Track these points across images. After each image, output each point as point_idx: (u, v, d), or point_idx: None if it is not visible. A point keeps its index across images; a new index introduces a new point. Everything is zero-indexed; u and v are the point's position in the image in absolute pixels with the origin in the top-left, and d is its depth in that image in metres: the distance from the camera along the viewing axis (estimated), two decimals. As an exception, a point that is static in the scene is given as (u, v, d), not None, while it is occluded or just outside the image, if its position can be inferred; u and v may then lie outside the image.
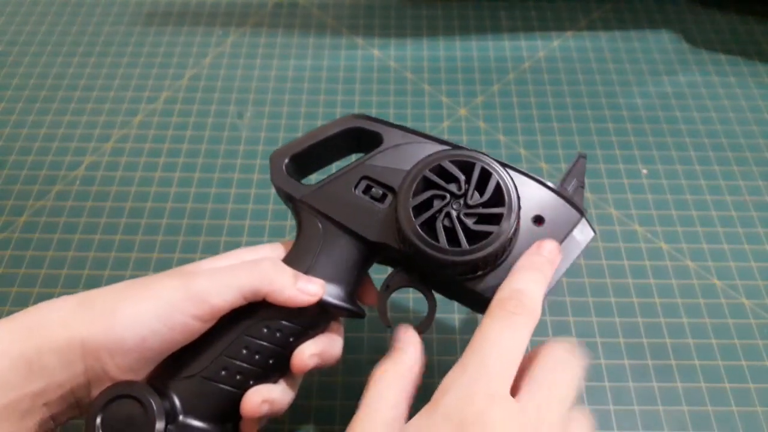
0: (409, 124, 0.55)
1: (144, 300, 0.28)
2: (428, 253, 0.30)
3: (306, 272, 0.31)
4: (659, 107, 0.57)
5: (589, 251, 0.47)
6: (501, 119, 0.56)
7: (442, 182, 0.31)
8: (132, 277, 0.46)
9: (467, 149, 0.32)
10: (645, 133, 0.55)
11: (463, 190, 0.31)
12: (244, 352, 0.30)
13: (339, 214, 0.32)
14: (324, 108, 0.57)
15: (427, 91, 0.58)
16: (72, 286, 0.46)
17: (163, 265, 0.47)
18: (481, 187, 0.31)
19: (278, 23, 0.65)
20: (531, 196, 0.32)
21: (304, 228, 0.33)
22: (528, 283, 0.29)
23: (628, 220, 0.49)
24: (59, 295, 0.45)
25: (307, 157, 0.35)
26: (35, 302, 0.44)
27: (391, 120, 0.56)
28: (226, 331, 0.30)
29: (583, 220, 0.32)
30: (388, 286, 0.33)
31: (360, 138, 0.35)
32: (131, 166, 0.53)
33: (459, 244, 0.30)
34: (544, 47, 0.62)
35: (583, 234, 0.32)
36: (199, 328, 0.29)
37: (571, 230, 0.32)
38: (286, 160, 0.34)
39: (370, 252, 0.33)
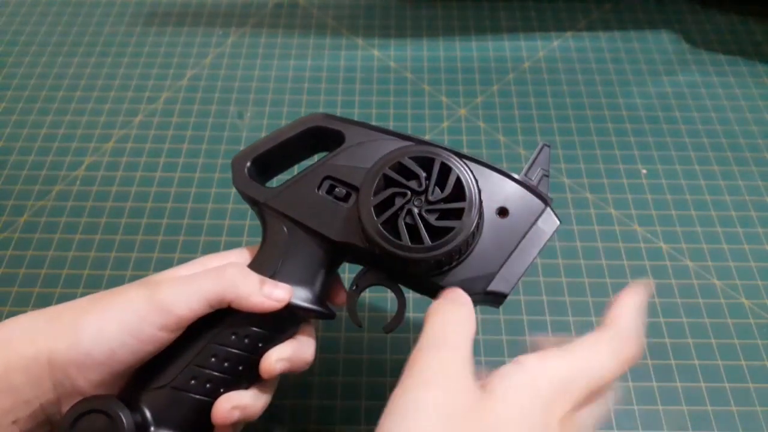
0: (409, 125, 0.56)
1: (109, 312, 0.28)
2: (392, 252, 0.30)
3: (272, 276, 0.31)
4: (659, 107, 0.57)
5: (588, 251, 0.48)
6: (501, 119, 0.56)
7: (402, 179, 0.31)
8: (132, 277, 0.46)
9: (427, 143, 0.32)
10: (644, 133, 0.55)
11: (423, 187, 0.31)
12: (213, 360, 0.29)
13: (303, 215, 0.32)
14: (324, 108, 0.57)
15: (427, 91, 0.59)
16: (72, 286, 0.46)
17: (163, 265, 0.47)
18: (441, 183, 0.31)
19: (278, 23, 0.65)
20: (494, 188, 0.32)
21: (269, 231, 0.33)
22: None
23: (627, 220, 0.49)
24: (59, 294, 0.45)
25: (269, 159, 0.35)
26: (36, 302, 0.45)
27: (392, 120, 0.57)
28: (194, 339, 0.30)
29: (548, 210, 0.32)
30: (357, 285, 0.33)
31: (322, 137, 0.35)
32: (132, 166, 0.53)
33: (422, 241, 0.30)
34: (544, 47, 0.62)
35: (547, 224, 0.32)
36: (166, 338, 0.29)
37: (536, 220, 0.32)
38: (248, 164, 0.34)
39: (337, 252, 0.33)
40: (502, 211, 0.32)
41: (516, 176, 0.32)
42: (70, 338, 0.27)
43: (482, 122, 0.56)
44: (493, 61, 0.61)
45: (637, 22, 0.64)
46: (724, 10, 0.65)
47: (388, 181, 0.31)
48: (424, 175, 0.31)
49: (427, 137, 0.55)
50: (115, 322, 0.27)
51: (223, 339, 0.30)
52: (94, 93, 0.59)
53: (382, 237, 0.30)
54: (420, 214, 0.30)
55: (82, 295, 0.45)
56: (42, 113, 0.57)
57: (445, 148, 0.32)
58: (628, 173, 0.52)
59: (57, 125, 0.56)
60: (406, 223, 0.30)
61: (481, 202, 0.30)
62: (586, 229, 0.49)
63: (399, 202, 0.31)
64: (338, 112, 0.57)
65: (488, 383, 0.25)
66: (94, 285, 0.46)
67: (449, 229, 0.30)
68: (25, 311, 0.44)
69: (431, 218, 0.30)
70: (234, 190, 0.51)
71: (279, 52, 0.62)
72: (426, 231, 0.30)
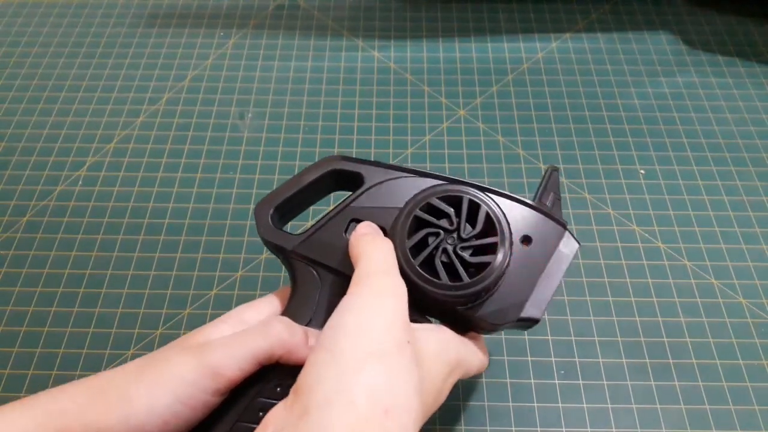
0: (408, 125, 0.57)
1: (160, 383, 0.27)
2: (431, 291, 0.30)
3: (309, 324, 0.31)
4: (657, 108, 0.57)
5: (587, 251, 0.48)
6: (500, 120, 0.56)
7: (433, 219, 0.32)
8: (134, 277, 0.47)
9: (452, 181, 0.33)
10: (643, 134, 0.55)
11: (455, 225, 0.32)
12: (261, 414, 0.28)
13: (334, 260, 0.32)
14: (324, 109, 0.57)
15: (427, 92, 0.59)
16: (74, 286, 0.46)
17: (164, 265, 0.47)
18: (471, 219, 0.32)
19: (279, 25, 0.65)
20: (516, 217, 0.32)
21: (299, 279, 0.33)
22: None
23: (626, 220, 0.50)
24: (61, 294, 0.46)
25: (289, 205, 0.35)
26: (37, 302, 0.45)
27: (391, 121, 0.57)
28: (238, 397, 0.29)
29: (567, 233, 0.33)
30: None
31: (340, 179, 0.35)
32: (133, 167, 0.53)
33: (459, 278, 0.30)
34: (543, 49, 0.63)
35: (568, 247, 0.33)
36: (216, 402, 0.28)
37: (557, 244, 0.32)
38: (271, 211, 0.34)
39: None
40: (526, 240, 0.32)
41: (530, 202, 0.33)
42: (122, 413, 0.26)
43: (481, 123, 0.56)
44: (492, 63, 0.61)
45: (635, 24, 0.65)
46: (722, 12, 0.65)
47: (419, 223, 0.32)
48: (453, 212, 0.32)
49: (426, 138, 0.55)
50: (168, 393, 0.27)
51: (268, 393, 0.29)
52: (95, 94, 0.59)
53: (421, 278, 0.30)
54: (455, 252, 0.31)
55: (83, 295, 0.46)
56: (44, 114, 0.58)
57: (466, 182, 0.33)
58: (627, 174, 0.53)
59: (59, 126, 0.57)
60: (442, 262, 0.31)
61: (511, 234, 0.31)
62: (585, 229, 0.49)
63: (432, 241, 0.31)
64: (338, 113, 0.57)
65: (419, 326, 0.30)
66: (96, 285, 0.46)
67: (485, 264, 0.31)
68: (26, 311, 0.45)
69: (466, 255, 0.31)
70: (235, 190, 0.52)
71: (280, 53, 0.62)
72: (462, 268, 0.31)
